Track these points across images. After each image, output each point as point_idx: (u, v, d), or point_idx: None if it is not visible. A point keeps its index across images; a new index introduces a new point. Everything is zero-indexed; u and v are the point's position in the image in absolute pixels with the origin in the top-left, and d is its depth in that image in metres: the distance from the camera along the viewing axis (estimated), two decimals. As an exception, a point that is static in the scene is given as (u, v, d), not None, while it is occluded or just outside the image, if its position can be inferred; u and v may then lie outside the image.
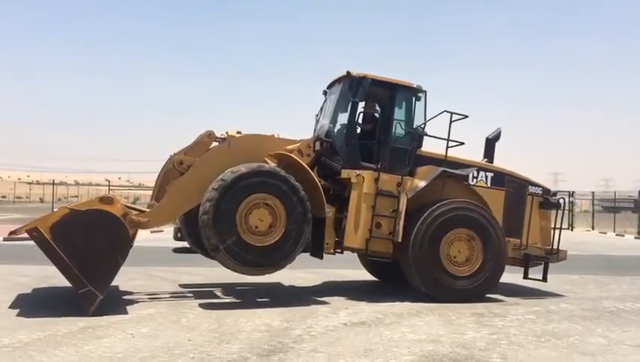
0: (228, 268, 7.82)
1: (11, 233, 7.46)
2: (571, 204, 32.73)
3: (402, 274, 8.75)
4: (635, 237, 25.56)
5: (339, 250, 8.77)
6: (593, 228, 31.02)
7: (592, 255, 17.02)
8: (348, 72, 8.86)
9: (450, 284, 8.31)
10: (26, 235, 7.07)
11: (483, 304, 8.26)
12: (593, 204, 35.49)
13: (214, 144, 8.72)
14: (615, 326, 6.93)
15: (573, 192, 33.38)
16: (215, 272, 10.83)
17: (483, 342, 6.01)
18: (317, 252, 8.60)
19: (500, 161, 9.60)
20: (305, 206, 7.77)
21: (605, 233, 28.13)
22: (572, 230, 30.18)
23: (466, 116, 8.81)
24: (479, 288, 8.46)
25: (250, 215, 7.58)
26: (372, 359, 5.32)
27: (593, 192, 36.64)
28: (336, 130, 8.96)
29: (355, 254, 9.90)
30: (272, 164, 8.12)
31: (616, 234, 27.14)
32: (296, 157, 8.32)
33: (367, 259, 10.15)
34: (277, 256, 7.69)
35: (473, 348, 5.75)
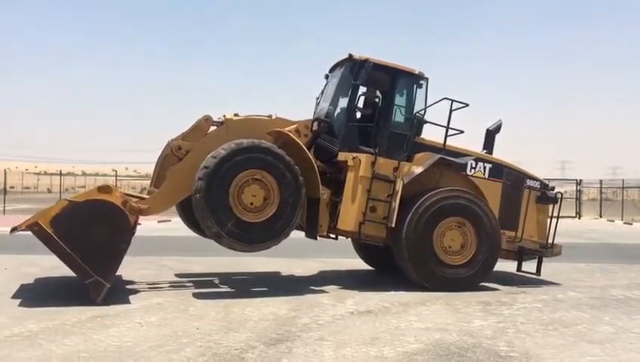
0: (235, 250, 7.84)
1: (13, 229, 7.48)
2: (579, 192, 32.61)
3: (396, 263, 8.72)
4: (643, 225, 25.42)
5: (332, 235, 8.77)
6: (601, 216, 30.89)
7: (599, 243, 16.97)
8: (350, 55, 8.79)
9: (444, 272, 8.26)
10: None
11: (490, 292, 8.26)
12: (601, 193, 35.30)
13: (212, 128, 8.68)
14: (623, 314, 6.91)
15: (580, 180, 33.26)
16: (222, 261, 10.90)
17: (490, 331, 6.01)
18: (311, 232, 8.55)
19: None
20: (293, 171, 7.71)
21: (613, 221, 28.00)
22: (580, 218, 30.10)
23: (467, 104, 8.72)
24: (475, 275, 8.38)
25: (243, 194, 7.54)
26: (379, 347, 5.33)
27: (601, 180, 36.42)
28: (335, 112, 8.91)
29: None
30: (263, 141, 7.97)
31: (624, 223, 26.99)
32: (293, 136, 8.27)
33: (362, 248, 10.17)
34: (279, 227, 7.67)
35: (480, 337, 5.76)
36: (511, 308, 7.23)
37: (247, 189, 7.56)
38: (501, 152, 9.61)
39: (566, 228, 21.63)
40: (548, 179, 10.58)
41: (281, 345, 5.33)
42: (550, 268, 10.29)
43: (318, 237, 8.67)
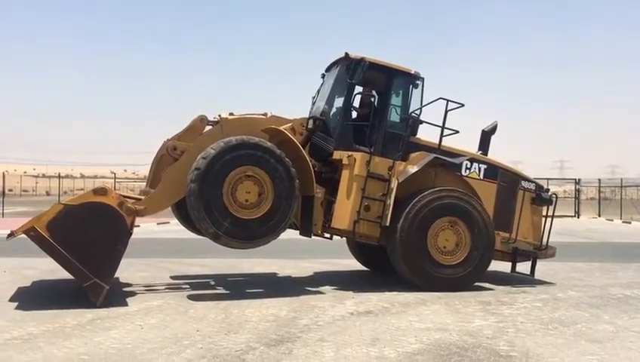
0: (235, 248, 7.82)
1: (10, 235, 7.46)
2: (577, 191, 32.67)
3: (391, 263, 8.70)
4: (642, 224, 25.46)
5: (327, 234, 8.78)
6: (600, 216, 30.94)
7: (598, 242, 16.94)
8: (346, 54, 8.79)
9: (438, 272, 8.23)
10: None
11: (489, 292, 8.27)
12: (599, 192, 35.37)
13: (208, 128, 8.66)
14: (622, 313, 6.93)
15: (579, 180, 33.32)
16: (221, 263, 10.90)
17: (490, 330, 6.01)
18: (305, 230, 8.52)
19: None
20: (285, 163, 7.68)
21: (612, 220, 28.05)
22: (578, 217, 30.15)
23: (462, 105, 8.70)
24: (470, 274, 8.36)
25: (237, 191, 7.51)
26: (379, 348, 5.33)
27: (599, 179, 36.50)
28: (331, 111, 8.91)
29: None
30: (252, 137, 7.92)
31: (623, 221, 27.04)
32: (288, 133, 8.24)
33: (357, 249, 10.17)
34: (278, 219, 7.64)
35: (480, 336, 5.76)
36: (511, 307, 7.24)
37: (240, 187, 7.54)
38: (500, 152, 9.60)
39: (565, 227, 21.72)
40: (547, 179, 10.60)
41: (281, 346, 5.33)
42: (549, 268, 10.32)
43: (313, 238, 8.66)
